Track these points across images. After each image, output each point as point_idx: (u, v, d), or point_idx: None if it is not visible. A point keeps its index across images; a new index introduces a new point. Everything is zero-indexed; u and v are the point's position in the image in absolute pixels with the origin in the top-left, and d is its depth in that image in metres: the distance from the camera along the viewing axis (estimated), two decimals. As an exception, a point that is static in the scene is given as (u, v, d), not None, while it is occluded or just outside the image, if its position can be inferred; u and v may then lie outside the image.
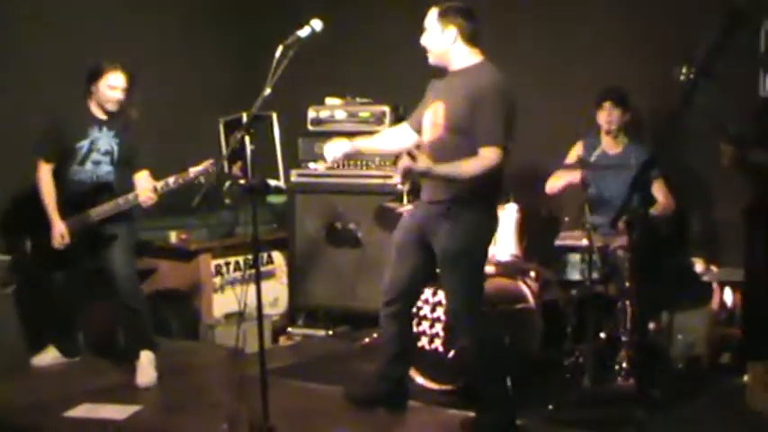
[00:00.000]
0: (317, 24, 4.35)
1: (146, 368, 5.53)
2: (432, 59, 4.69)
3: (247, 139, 4.24)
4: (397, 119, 6.79)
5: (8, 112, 6.18)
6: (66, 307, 5.88)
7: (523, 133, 6.16)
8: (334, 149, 4.84)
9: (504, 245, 5.51)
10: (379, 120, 6.80)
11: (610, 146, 5.91)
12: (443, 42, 4.61)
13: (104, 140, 5.55)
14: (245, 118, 7.40)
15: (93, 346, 6.09)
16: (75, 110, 5.57)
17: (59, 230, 5.48)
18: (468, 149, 4.49)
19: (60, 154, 5.54)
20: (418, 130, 4.84)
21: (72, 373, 5.78)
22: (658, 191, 5.77)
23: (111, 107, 5.51)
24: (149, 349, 5.61)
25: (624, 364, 5.17)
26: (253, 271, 6.60)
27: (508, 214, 5.51)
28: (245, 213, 6.83)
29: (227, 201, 6.56)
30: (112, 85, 5.45)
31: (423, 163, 4.41)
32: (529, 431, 4.63)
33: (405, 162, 4.39)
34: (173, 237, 6.78)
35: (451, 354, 5.18)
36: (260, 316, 4.35)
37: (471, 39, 4.62)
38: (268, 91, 4.18)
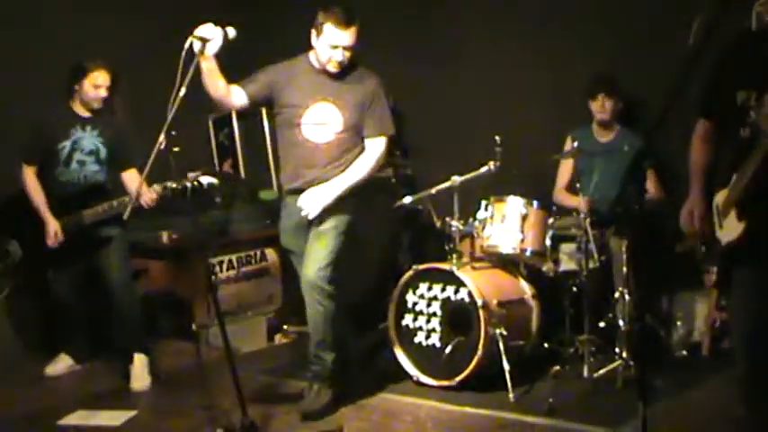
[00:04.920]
0: (230, 31, 4.47)
1: (140, 372, 5.48)
2: (338, 70, 4.80)
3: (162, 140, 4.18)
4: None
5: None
6: (65, 311, 5.77)
7: (521, 127, 6.13)
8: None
9: (508, 238, 5.39)
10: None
11: (601, 134, 5.85)
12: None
13: (88, 140, 5.47)
14: (234, 116, 7.36)
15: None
16: (58, 110, 5.48)
17: (53, 228, 5.38)
18: (357, 143, 4.88)
19: (42, 155, 5.46)
20: (254, 102, 4.94)
21: (66, 380, 5.71)
22: (649, 181, 5.69)
23: (96, 105, 5.43)
24: (143, 353, 5.55)
25: (624, 354, 5.10)
26: (247, 268, 6.65)
27: (512, 207, 5.41)
28: (236, 211, 6.76)
29: (216, 199, 6.49)
30: (97, 84, 5.38)
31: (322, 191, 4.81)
32: (530, 424, 4.58)
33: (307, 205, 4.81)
34: (164, 237, 6.68)
35: (448, 349, 5.13)
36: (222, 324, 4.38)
37: None
38: (183, 91, 4.16)
